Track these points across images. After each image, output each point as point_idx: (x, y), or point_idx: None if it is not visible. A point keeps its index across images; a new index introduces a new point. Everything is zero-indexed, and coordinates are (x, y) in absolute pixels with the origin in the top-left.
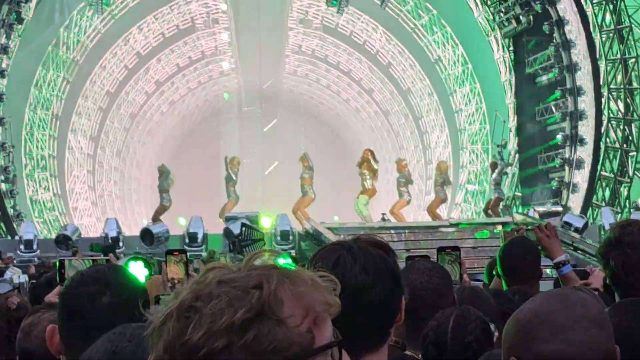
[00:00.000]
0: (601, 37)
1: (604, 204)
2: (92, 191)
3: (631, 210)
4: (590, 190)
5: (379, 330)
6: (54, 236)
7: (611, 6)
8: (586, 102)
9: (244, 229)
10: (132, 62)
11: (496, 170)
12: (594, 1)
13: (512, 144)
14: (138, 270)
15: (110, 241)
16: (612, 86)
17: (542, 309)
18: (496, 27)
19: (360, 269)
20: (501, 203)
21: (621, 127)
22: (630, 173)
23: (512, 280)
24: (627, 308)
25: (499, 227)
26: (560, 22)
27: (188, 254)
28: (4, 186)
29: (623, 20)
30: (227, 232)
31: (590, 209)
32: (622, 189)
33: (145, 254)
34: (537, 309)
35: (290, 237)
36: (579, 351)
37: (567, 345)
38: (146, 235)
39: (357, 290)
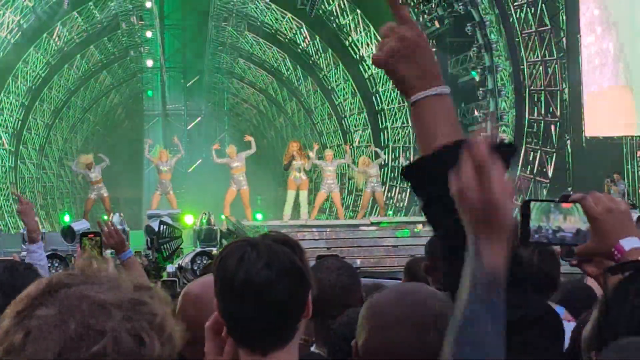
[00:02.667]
0: (522, 39)
1: (531, 198)
2: (13, 187)
3: None
4: None
5: (285, 327)
6: None
7: (532, 9)
8: (507, 103)
9: (162, 226)
10: (55, 58)
11: None
12: (515, 4)
13: None
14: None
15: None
16: (532, 88)
17: (379, 300)
18: (419, 27)
19: (263, 266)
20: None
21: (541, 128)
22: (550, 174)
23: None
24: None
25: (420, 226)
26: (482, 24)
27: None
28: None
29: (544, 23)
30: (149, 230)
31: None
32: (541, 189)
33: (66, 251)
34: (376, 300)
35: (212, 235)
36: (398, 349)
37: (387, 343)
38: (67, 232)
39: (261, 287)
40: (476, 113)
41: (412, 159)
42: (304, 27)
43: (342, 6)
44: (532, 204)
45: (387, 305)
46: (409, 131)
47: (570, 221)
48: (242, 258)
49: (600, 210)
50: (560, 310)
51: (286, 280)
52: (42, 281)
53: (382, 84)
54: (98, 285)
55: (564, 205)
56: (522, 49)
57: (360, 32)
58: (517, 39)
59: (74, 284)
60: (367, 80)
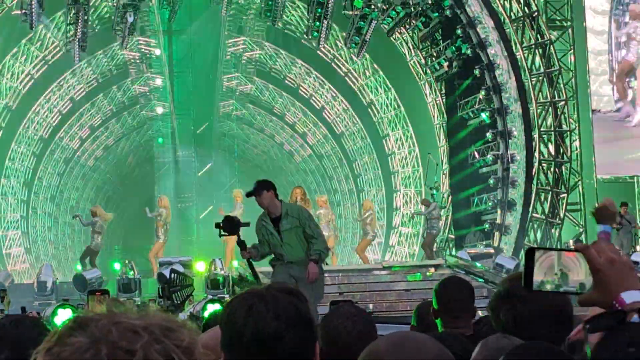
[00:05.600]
0: (531, 81)
1: (535, 246)
2: (25, 237)
3: None
4: (522, 232)
5: None
6: None
7: (541, 50)
8: (517, 145)
9: (173, 274)
10: (65, 107)
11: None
12: (523, 45)
13: (445, 186)
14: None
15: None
16: (542, 129)
17: (377, 348)
18: (428, 70)
19: (272, 317)
20: (435, 244)
21: (552, 169)
22: (561, 214)
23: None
24: (525, 353)
25: (432, 270)
26: (491, 66)
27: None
28: None
29: (552, 64)
30: (161, 277)
31: (522, 250)
32: (553, 230)
33: (78, 300)
34: (373, 348)
35: (223, 282)
36: None
37: None
38: (79, 281)
39: (271, 338)
40: (486, 155)
41: (422, 202)
42: (313, 72)
43: (352, 50)
44: (536, 252)
45: (388, 351)
46: (420, 175)
47: (573, 271)
48: (250, 310)
49: (602, 261)
50: None
51: (295, 330)
52: (71, 319)
53: (392, 128)
54: (128, 315)
55: (567, 254)
56: (532, 90)
57: (370, 77)
58: (526, 81)
59: (103, 318)
60: (377, 124)
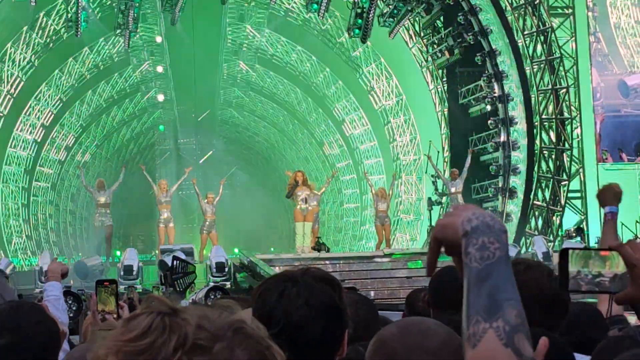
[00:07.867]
0: (533, 68)
1: (536, 233)
2: (26, 224)
3: (563, 238)
4: (523, 219)
5: None
6: None
7: (542, 37)
8: (519, 132)
9: (175, 262)
10: (67, 94)
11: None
12: (525, 33)
13: (446, 174)
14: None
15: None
16: (543, 116)
17: (383, 334)
18: (429, 58)
19: (302, 303)
20: None
21: (553, 156)
22: (562, 202)
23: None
24: None
25: None
26: (492, 54)
27: (123, 286)
28: None
29: (554, 52)
30: (162, 265)
31: (523, 238)
32: (554, 217)
33: (79, 287)
34: (380, 334)
35: (226, 269)
36: None
37: None
38: (80, 268)
39: (298, 324)
40: (488, 142)
41: (424, 192)
42: (314, 59)
43: (353, 38)
44: (570, 252)
45: (394, 337)
46: (421, 163)
47: (608, 269)
48: (282, 294)
49: (638, 257)
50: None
51: (323, 319)
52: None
53: (394, 116)
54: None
55: (602, 253)
56: (533, 78)
57: (371, 64)
58: (527, 68)
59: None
60: (378, 112)
